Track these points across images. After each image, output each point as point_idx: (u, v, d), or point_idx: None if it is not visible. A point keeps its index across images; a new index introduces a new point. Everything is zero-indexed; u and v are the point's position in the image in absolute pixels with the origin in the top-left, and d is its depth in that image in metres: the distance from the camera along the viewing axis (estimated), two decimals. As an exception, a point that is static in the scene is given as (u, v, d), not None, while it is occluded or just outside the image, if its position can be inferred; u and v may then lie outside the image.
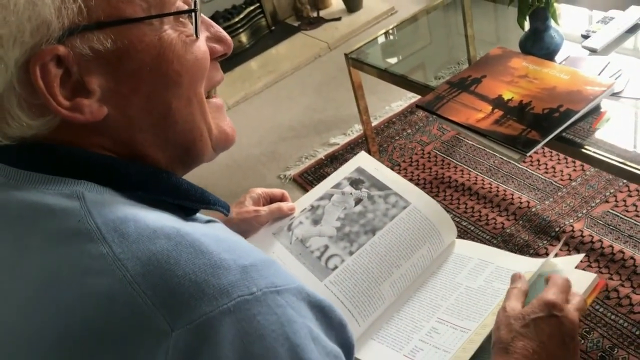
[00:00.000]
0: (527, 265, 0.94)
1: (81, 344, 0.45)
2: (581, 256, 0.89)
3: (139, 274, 0.45)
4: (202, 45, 0.56)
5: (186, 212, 0.58)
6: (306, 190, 2.24)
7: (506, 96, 1.41)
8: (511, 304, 0.74)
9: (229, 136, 0.62)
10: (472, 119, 1.39)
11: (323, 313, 0.51)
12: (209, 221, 0.59)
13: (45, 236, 0.49)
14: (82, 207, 0.49)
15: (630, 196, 1.74)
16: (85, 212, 0.49)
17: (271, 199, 1.02)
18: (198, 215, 0.61)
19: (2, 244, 0.51)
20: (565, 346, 0.69)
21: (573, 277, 0.88)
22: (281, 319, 0.46)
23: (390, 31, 2.12)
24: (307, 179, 2.28)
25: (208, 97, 0.60)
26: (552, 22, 1.47)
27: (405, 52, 2.20)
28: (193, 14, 0.54)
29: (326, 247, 0.95)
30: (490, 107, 1.39)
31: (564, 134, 1.30)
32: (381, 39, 2.12)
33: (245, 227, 0.97)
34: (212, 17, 3.13)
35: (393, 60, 2.17)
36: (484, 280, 0.92)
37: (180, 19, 0.54)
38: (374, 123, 2.41)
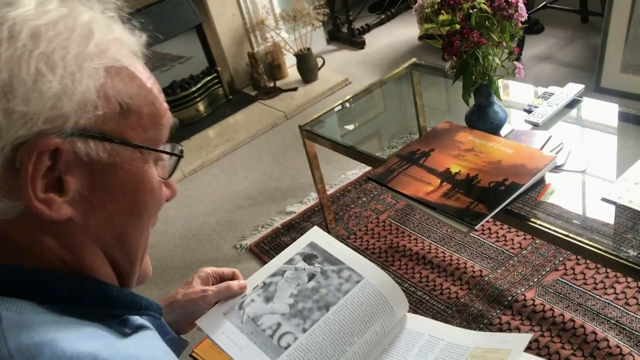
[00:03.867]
0: (476, 340, 0.94)
1: None
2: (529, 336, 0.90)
3: None
4: (163, 187, 0.61)
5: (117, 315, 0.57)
6: (262, 260, 2.22)
7: (454, 169, 1.44)
8: None
9: (148, 274, 0.65)
10: (421, 192, 1.41)
11: None
12: (140, 326, 0.58)
13: None
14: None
15: (579, 264, 1.78)
16: (0, 336, 0.46)
17: (221, 278, 0.99)
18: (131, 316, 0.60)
19: None
20: None
21: (516, 341, 0.89)
22: None
23: (347, 102, 2.17)
24: (264, 249, 2.26)
25: None
26: (495, 98, 1.53)
27: (360, 122, 2.26)
28: (176, 158, 0.61)
29: (279, 325, 0.94)
30: (439, 181, 1.43)
31: (510, 206, 1.34)
32: (337, 109, 2.17)
33: (192, 308, 0.95)
34: (170, 87, 3.16)
35: (350, 128, 2.21)
36: (435, 358, 0.92)
37: (160, 159, 0.59)
38: (330, 191, 2.43)
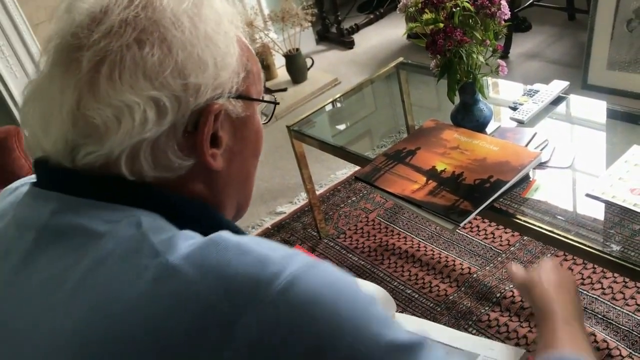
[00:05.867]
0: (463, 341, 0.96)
1: (150, 344, 0.50)
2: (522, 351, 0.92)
3: (198, 276, 0.52)
4: None
5: None
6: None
7: (439, 167, 1.45)
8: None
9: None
10: (407, 190, 1.42)
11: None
12: None
13: (110, 254, 0.55)
14: (139, 230, 0.56)
15: (566, 260, 1.79)
16: (143, 233, 0.56)
17: None
18: None
19: (64, 267, 0.56)
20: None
21: (504, 352, 0.90)
22: (328, 280, 0.54)
23: (335, 101, 2.18)
24: (253, 249, 2.26)
25: None
26: (480, 96, 1.54)
27: (350, 121, 2.26)
28: (273, 105, 0.73)
29: None
30: (425, 178, 1.43)
31: (495, 203, 1.35)
32: (326, 109, 2.17)
33: None
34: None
35: (340, 128, 2.22)
36: None
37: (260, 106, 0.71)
38: (320, 191, 2.43)
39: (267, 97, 0.71)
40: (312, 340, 0.51)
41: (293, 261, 0.54)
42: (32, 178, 0.66)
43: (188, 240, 0.55)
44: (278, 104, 0.73)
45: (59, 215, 0.59)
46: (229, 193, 0.67)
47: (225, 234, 0.56)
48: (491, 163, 1.41)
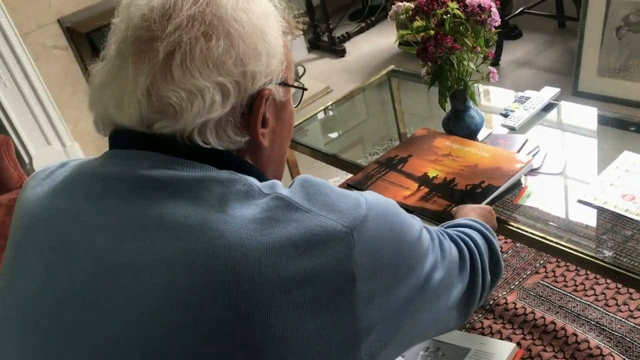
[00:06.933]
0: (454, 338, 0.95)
1: (294, 249, 0.61)
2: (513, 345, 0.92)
3: (312, 206, 0.64)
4: None
5: None
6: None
7: (431, 174, 1.45)
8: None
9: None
10: (399, 197, 1.41)
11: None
12: None
13: (225, 193, 0.64)
14: (241, 178, 0.66)
15: (559, 267, 1.79)
16: (245, 179, 0.66)
17: None
18: None
19: (182, 209, 0.63)
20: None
21: (495, 347, 0.90)
22: (388, 202, 0.74)
23: (327, 109, 2.18)
24: (246, 258, 2.24)
25: None
26: (472, 103, 1.54)
27: (342, 129, 2.26)
28: (301, 91, 0.83)
29: None
30: (417, 185, 1.43)
31: (487, 210, 1.34)
32: (320, 116, 2.17)
33: None
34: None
35: (332, 136, 2.21)
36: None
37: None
38: (312, 199, 2.41)
39: (297, 84, 0.81)
40: (391, 230, 0.71)
41: (358, 193, 0.70)
42: (69, 160, 0.76)
43: (281, 184, 0.67)
44: (307, 89, 0.84)
45: (155, 168, 0.66)
46: (269, 169, 0.77)
47: (307, 176, 0.69)
48: (483, 169, 1.41)
